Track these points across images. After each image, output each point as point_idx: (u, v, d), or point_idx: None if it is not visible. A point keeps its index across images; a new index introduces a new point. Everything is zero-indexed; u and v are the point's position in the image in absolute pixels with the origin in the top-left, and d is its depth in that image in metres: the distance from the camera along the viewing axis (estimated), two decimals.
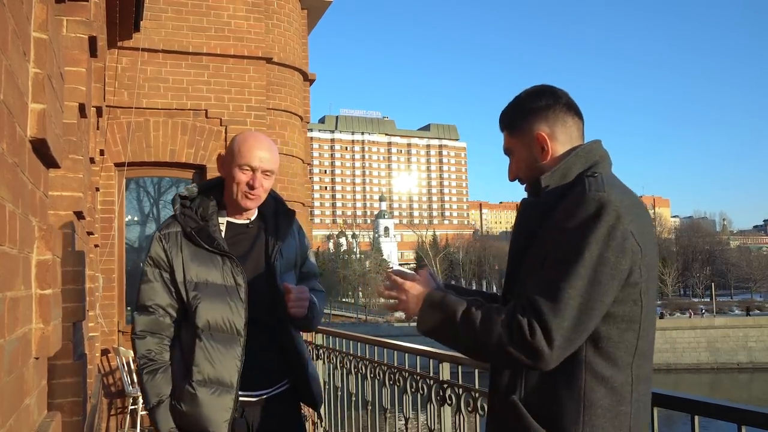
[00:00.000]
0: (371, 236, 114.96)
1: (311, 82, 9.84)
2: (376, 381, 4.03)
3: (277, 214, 2.55)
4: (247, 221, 2.50)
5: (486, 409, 1.88)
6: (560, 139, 1.77)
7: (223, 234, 2.43)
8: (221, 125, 7.76)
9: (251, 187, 2.38)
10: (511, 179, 1.89)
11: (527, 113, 1.79)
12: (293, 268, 2.59)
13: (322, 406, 4.05)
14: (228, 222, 2.47)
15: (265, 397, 2.45)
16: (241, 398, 2.37)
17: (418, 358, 3.61)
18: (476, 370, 2.91)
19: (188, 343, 2.36)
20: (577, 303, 1.52)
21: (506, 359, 1.60)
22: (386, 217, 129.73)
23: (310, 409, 2.87)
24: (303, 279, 2.64)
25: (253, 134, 2.47)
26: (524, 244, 1.72)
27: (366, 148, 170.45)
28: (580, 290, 1.53)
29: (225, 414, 2.31)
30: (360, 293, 78.51)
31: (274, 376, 2.48)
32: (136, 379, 7.11)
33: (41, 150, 1.39)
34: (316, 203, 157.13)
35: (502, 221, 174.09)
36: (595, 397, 1.58)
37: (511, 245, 1.77)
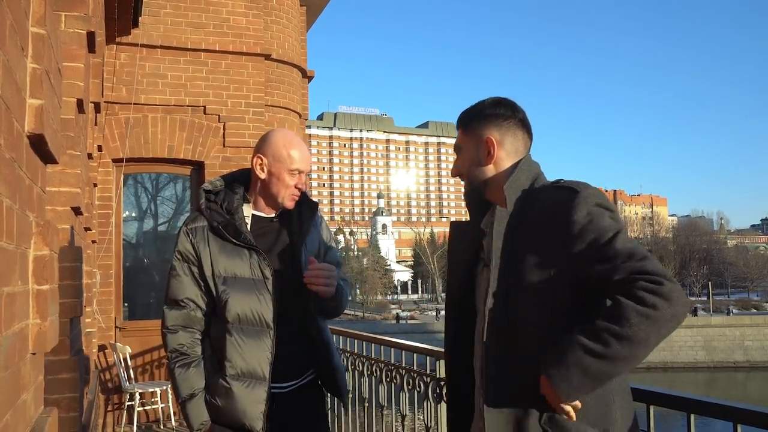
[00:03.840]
0: (369, 233, 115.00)
1: (310, 78, 9.84)
2: (373, 378, 4.03)
3: (301, 206, 2.56)
4: (272, 215, 2.53)
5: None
6: (507, 148, 1.91)
7: (248, 227, 2.45)
8: (219, 122, 7.75)
9: (300, 190, 2.46)
10: (454, 175, 2.02)
11: (484, 117, 1.93)
12: (317, 259, 2.58)
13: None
14: (253, 215, 2.51)
15: (293, 387, 2.46)
16: (272, 390, 2.39)
17: (415, 355, 3.61)
18: None
19: (218, 338, 2.39)
20: (646, 252, 1.67)
21: (660, 324, 1.56)
22: (384, 214, 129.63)
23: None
24: None
25: (295, 137, 2.51)
26: (515, 250, 1.77)
27: (364, 146, 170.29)
28: (638, 245, 1.68)
29: (260, 406, 2.34)
30: (358, 290, 78.51)
31: (302, 367, 2.50)
32: (133, 375, 7.12)
33: (39, 145, 1.39)
34: (314, 200, 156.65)
35: None
36: (620, 379, 1.74)
37: (503, 253, 1.78)
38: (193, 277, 2.41)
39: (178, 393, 2.40)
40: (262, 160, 2.46)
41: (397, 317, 59.90)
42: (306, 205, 2.58)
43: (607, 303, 1.65)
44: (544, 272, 1.72)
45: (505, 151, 1.90)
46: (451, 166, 2.06)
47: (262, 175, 2.46)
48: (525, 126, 1.94)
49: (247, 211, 2.49)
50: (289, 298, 2.43)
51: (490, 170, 1.91)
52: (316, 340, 2.51)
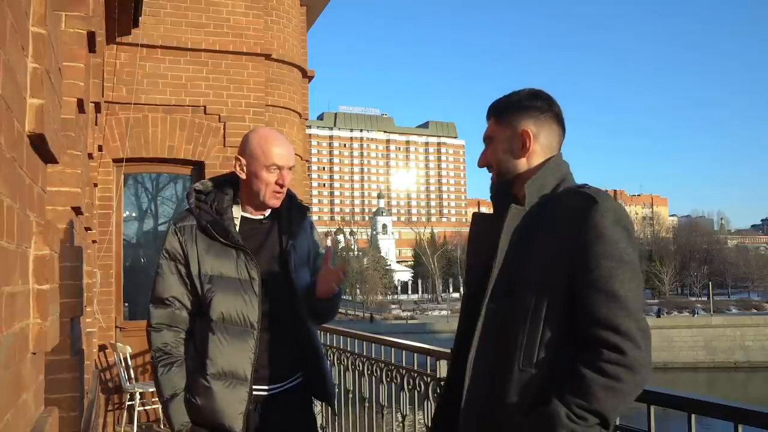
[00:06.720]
0: (369, 233, 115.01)
1: (310, 78, 9.84)
2: (374, 378, 4.03)
3: (291, 209, 2.56)
4: (262, 216, 2.52)
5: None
6: (543, 142, 1.85)
7: (237, 228, 2.45)
8: (220, 121, 7.75)
9: (281, 186, 2.42)
10: (481, 166, 1.96)
11: (521, 108, 1.86)
12: (306, 263, 2.58)
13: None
14: (243, 216, 2.50)
15: (277, 390, 2.45)
16: (255, 392, 2.39)
17: (415, 355, 3.61)
18: None
19: (202, 337, 2.38)
20: (637, 303, 1.64)
21: (625, 394, 1.61)
22: (384, 214, 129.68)
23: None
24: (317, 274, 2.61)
25: (271, 132, 2.48)
26: (523, 251, 1.75)
27: (364, 146, 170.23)
28: (634, 291, 1.65)
29: (240, 407, 2.33)
30: (358, 290, 78.50)
31: (288, 370, 2.49)
32: (134, 375, 7.12)
33: (39, 145, 1.39)
34: (315, 200, 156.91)
35: None
36: None
37: (508, 251, 1.77)
38: (179, 276, 2.41)
39: (161, 393, 2.40)
40: (240, 161, 2.46)
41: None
42: (296, 209, 2.57)
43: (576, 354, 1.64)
44: (545, 280, 1.69)
45: (540, 144, 1.84)
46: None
47: (243, 176, 2.45)
48: (560, 121, 1.89)
49: (237, 212, 2.49)
50: (277, 300, 2.43)
51: (522, 164, 1.85)
52: (305, 344, 2.50)
